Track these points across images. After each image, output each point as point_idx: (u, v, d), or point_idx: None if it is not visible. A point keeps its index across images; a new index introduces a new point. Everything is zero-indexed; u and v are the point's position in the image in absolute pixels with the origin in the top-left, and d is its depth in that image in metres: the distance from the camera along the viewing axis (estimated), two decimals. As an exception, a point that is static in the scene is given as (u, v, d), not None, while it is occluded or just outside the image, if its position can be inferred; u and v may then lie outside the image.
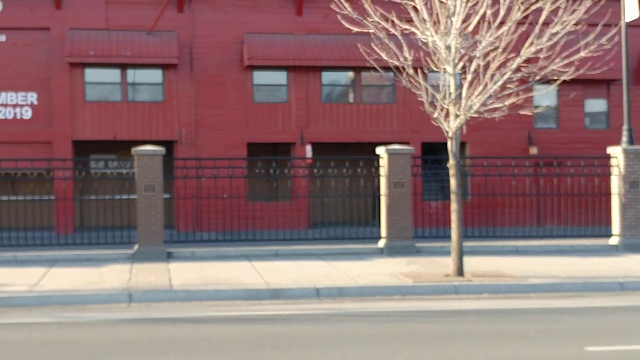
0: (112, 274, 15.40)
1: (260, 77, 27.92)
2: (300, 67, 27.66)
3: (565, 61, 15.01)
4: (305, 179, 24.94)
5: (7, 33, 26.92)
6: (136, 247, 17.78)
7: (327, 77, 28.29)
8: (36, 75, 27.07)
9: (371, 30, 15.35)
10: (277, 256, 18.02)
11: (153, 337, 10.36)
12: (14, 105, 26.93)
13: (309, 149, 27.28)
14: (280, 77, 27.98)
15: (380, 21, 15.32)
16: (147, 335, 10.49)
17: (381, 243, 18.70)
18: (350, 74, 28.32)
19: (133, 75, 27.41)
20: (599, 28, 16.42)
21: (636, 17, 20.54)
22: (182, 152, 27.05)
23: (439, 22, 14.70)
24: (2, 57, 26.88)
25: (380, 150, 18.90)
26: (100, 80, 27.32)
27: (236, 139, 27.45)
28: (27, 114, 26.96)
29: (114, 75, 27.32)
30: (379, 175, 19.12)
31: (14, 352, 9.51)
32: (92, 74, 27.22)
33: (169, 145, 26.98)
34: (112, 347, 9.76)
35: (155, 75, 27.48)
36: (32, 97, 27.02)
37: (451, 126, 14.80)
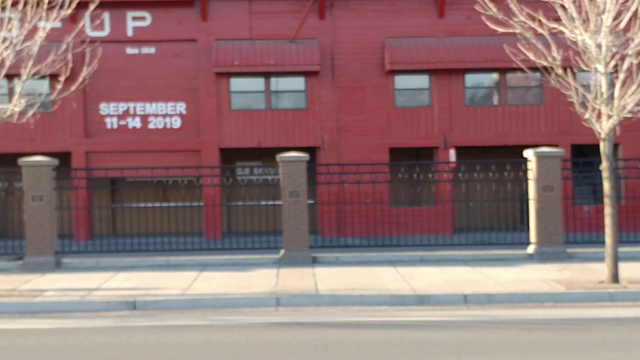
0: (259, 278, 15.65)
1: (402, 82, 27.81)
2: (442, 70, 27.36)
3: None
4: (449, 184, 24.60)
5: (156, 45, 27.98)
6: (282, 252, 18.02)
7: (471, 79, 27.85)
8: (184, 85, 27.99)
9: (517, 31, 14.97)
10: (422, 262, 17.83)
11: (301, 341, 10.43)
12: (164, 115, 27.93)
13: (452, 153, 26.92)
14: (422, 80, 27.78)
15: (526, 21, 14.92)
16: (296, 339, 10.57)
17: (530, 249, 18.18)
18: (495, 75, 27.77)
19: (276, 83, 27.89)
20: None
21: None
22: (324, 158, 27.27)
23: (588, 20, 14.16)
24: (152, 69, 27.94)
25: (528, 153, 18.39)
26: (245, 89, 27.94)
27: (378, 144, 27.43)
28: (177, 123, 27.90)
29: (258, 83, 27.88)
30: (527, 179, 18.62)
31: (170, 353, 9.80)
32: (237, 83, 27.88)
33: (311, 151, 27.27)
34: (262, 350, 9.89)
35: (298, 83, 27.86)
36: (181, 107, 27.94)
37: (603, 127, 14.22)
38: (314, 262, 17.93)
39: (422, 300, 13.43)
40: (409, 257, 18.09)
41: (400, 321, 11.89)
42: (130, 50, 27.93)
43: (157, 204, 23.05)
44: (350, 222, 21.41)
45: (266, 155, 28.72)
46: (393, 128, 27.60)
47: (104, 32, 27.40)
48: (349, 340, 10.39)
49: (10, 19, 14.74)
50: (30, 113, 15.06)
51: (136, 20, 27.88)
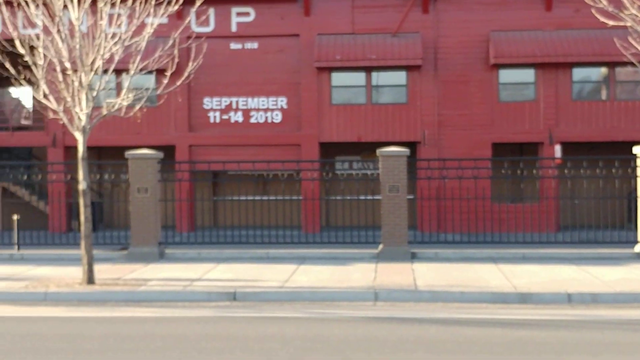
0: (357, 273, 15.62)
1: (507, 76, 27.27)
2: (549, 64, 26.69)
3: None
4: (554, 180, 24.00)
5: (259, 40, 28.28)
6: (380, 246, 17.93)
7: (578, 73, 27.07)
8: (286, 80, 28.20)
9: (628, 24, 14.47)
10: (524, 259, 17.43)
11: (400, 336, 10.33)
12: (266, 110, 28.21)
13: (558, 149, 26.24)
14: (528, 74, 27.17)
15: (638, 14, 14.40)
16: (394, 334, 10.48)
17: (637, 247, 17.55)
18: (604, 69, 26.93)
19: (377, 77, 27.78)
20: None
21: None
22: (425, 153, 27.02)
23: (703, 11, 13.57)
24: (255, 64, 28.25)
25: (637, 150, 17.75)
26: (346, 83, 27.94)
27: (480, 139, 27.00)
28: (278, 117, 28.14)
29: (359, 78, 27.83)
30: (635, 176, 17.98)
31: (269, 345, 9.87)
32: (338, 78, 27.91)
33: (411, 146, 27.06)
34: (360, 344, 9.84)
35: (399, 77, 27.68)
36: (282, 101, 28.16)
37: None
38: (413, 257, 17.78)
39: (524, 298, 13.13)
40: (511, 254, 17.73)
41: (501, 319, 11.64)
42: (234, 46, 28.32)
43: (257, 197, 23.31)
44: (451, 218, 21.13)
45: (366, 149, 28.67)
46: (496, 123, 27.11)
47: (209, 28, 27.86)
48: (449, 337, 10.23)
49: (119, 15, 15.11)
50: (137, 107, 15.41)
51: (240, 16, 28.24)
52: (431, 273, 15.50)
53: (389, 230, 17.82)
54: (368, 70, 27.59)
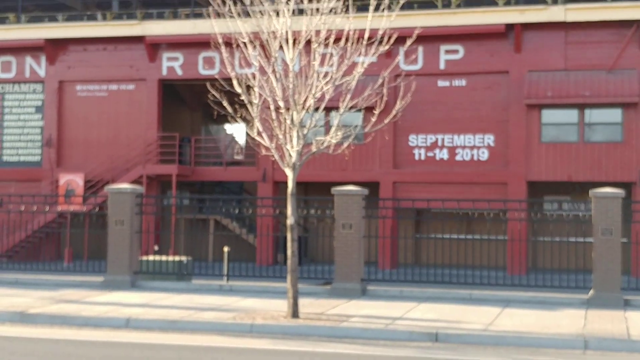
0: (565, 319, 14.96)
1: None
2: None
3: None
4: None
5: (467, 78, 28.08)
6: (591, 292, 17.10)
7: None
8: (493, 117, 27.77)
9: None
10: None
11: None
12: (472, 147, 27.89)
13: None
14: None
15: None
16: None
17: None
18: None
19: (590, 115, 26.75)
20: None
21: None
22: (640, 195, 25.62)
23: None
24: (462, 101, 28.04)
25: None
26: (557, 121, 27.12)
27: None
28: (484, 155, 27.73)
29: (570, 115, 26.93)
30: None
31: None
32: (548, 115, 27.15)
33: (626, 186, 25.73)
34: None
35: (614, 115, 26.50)
36: (489, 139, 27.74)
37: None
38: (626, 304, 16.81)
39: None
40: None
41: None
42: (442, 83, 28.29)
43: (461, 236, 22.96)
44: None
45: (576, 189, 27.59)
46: None
47: (417, 66, 28.00)
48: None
49: (331, 55, 15.46)
50: (345, 144, 15.66)
51: (449, 54, 28.21)
52: (646, 323, 14.58)
53: (600, 275, 16.97)
54: (581, 107, 26.63)
